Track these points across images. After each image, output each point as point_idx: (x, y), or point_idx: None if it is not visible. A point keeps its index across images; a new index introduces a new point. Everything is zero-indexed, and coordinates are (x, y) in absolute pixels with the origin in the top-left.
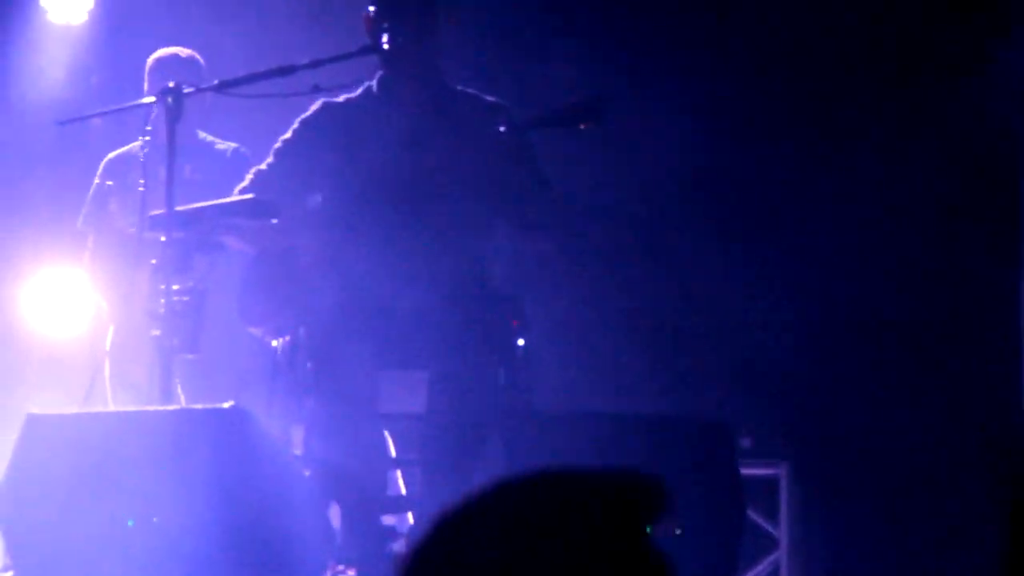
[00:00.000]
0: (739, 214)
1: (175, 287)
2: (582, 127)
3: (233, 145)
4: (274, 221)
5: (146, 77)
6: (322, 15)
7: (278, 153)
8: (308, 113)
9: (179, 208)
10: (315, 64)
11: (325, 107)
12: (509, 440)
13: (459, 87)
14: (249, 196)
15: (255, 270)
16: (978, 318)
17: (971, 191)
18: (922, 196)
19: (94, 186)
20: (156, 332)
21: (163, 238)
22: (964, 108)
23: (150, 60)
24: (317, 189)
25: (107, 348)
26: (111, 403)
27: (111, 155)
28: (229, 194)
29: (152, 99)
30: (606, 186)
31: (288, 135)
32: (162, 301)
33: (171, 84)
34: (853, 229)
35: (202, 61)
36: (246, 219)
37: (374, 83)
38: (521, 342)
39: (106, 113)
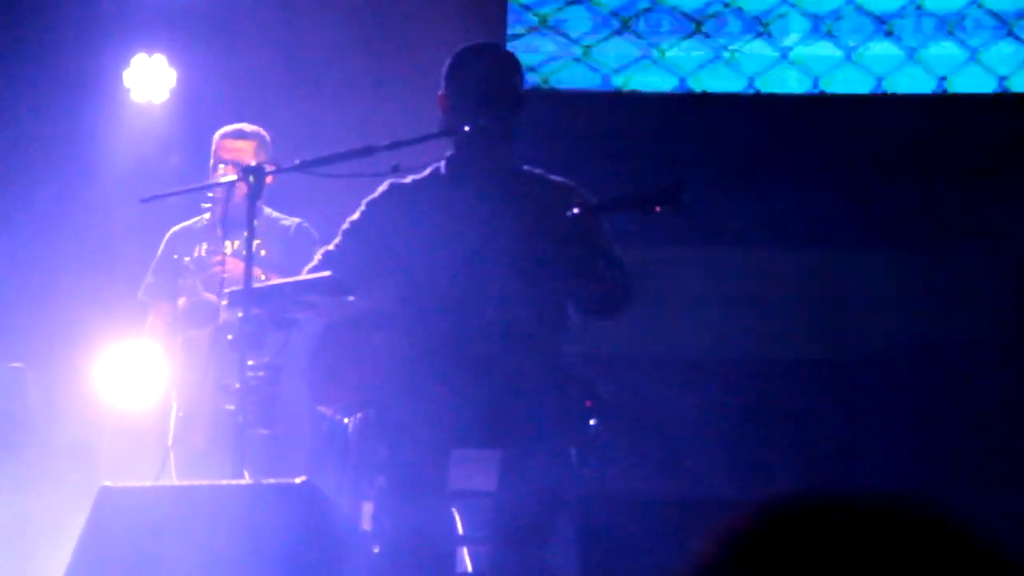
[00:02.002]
0: None
1: (250, 363)
2: (658, 210)
3: (296, 220)
4: (351, 299)
5: (214, 152)
6: (400, 93)
7: (346, 234)
8: (375, 195)
9: (257, 284)
10: (394, 146)
11: (392, 188)
12: (578, 520)
13: (526, 167)
14: (327, 274)
15: (324, 349)
16: None
17: None
18: None
19: (157, 258)
20: (230, 407)
21: (240, 314)
22: None
23: (217, 136)
24: (384, 271)
25: (172, 421)
26: (173, 473)
27: (175, 228)
28: (294, 268)
29: (234, 177)
30: None
31: (355, 216)
32: (238, 377)
33: (251, 160)
34: None
35: (268, 137)
36: (323, 296)
37: (442, 164)
38: (593, 422)
39: (189, 191)
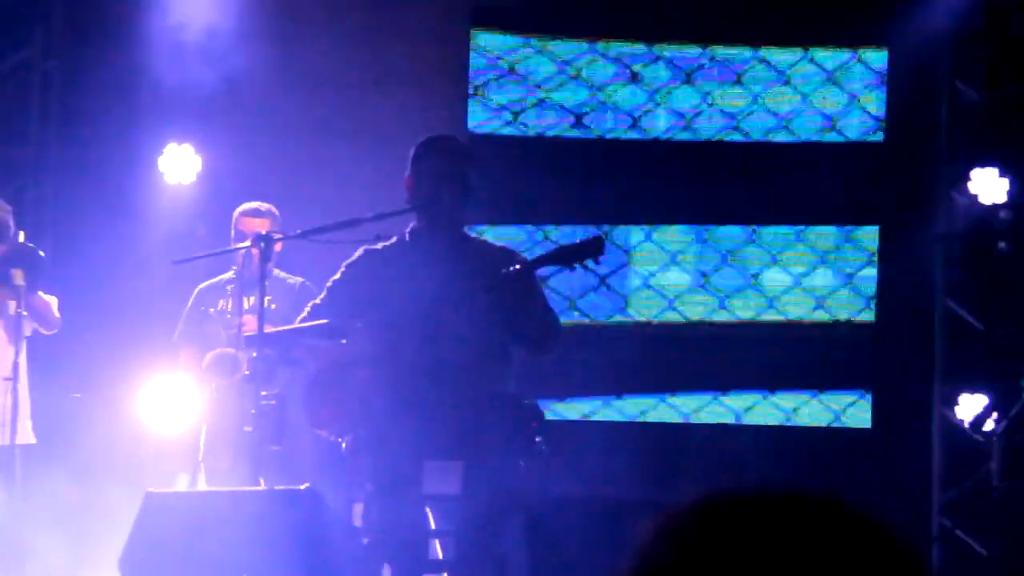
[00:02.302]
0: None
1: (263, 393)
2: (581, 264)
3: (300, 279)
4: (343, 341)
5: (234, 225)
6: (389, 172)
7: (329, 291)
8: (352, 258)
9: (267, 330)
10: (377, 218)
11: (366, 253)
12: (526, 519)
13: (473, 235)
14: (324, 321)
15: (318, 384)
16: None
17: None
18: None
19: (188, 309)
20: (248, 428)
21: (255, 354)
22: None
23: (237, 212)
24: (359, 318)
25: (202, 440)
26: (204, 483)
27: (202, 285)
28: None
29: (248, 244)
30: None
31: (337, 276)
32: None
33: (263, 232)
34: None
35: (277, 212)
36: (320, 339)
37: (407, 232)
38: (539, 439)
39: (213, 255)
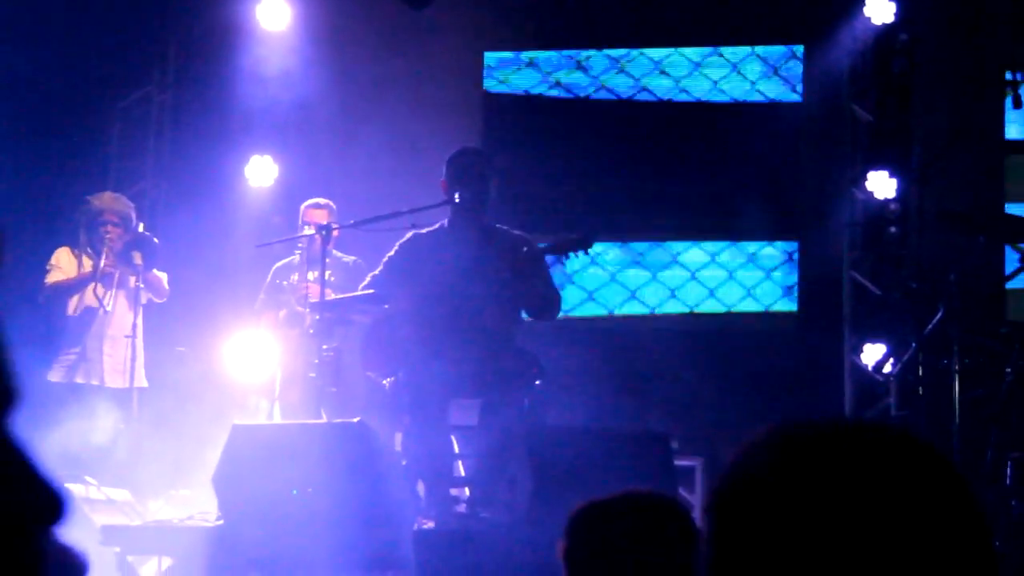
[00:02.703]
0: None
1: (325, 346)
2: (575, 254)
3: (353, 258)
4: (385, 307)
5: (300, 216)
6: (421, 175)
7: (385, 265)
8: (404, 239)
9: (328, 298)
10: (413, 211)
11: (414, 236)
12: (529, 444)
13: (497, 224)
14: (371, 291)
15: (371, 337)
16: None
17: None
18: None
19: (266, 283)
20: (312, 374)
21: (318, 316)
22: None
23: (303, 206)
24: (406, 285)
25: (277, 383)
26: (278, 416)
27: (277, 264)
28: (352, 289)
29: (312, 231)
30: None
31: (392, 252)
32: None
33: (323, 222)
34: None
35: (334, 206)
36: (369, 305)
37: (446, 222)
38: (538, 382)
39: (285, 240)
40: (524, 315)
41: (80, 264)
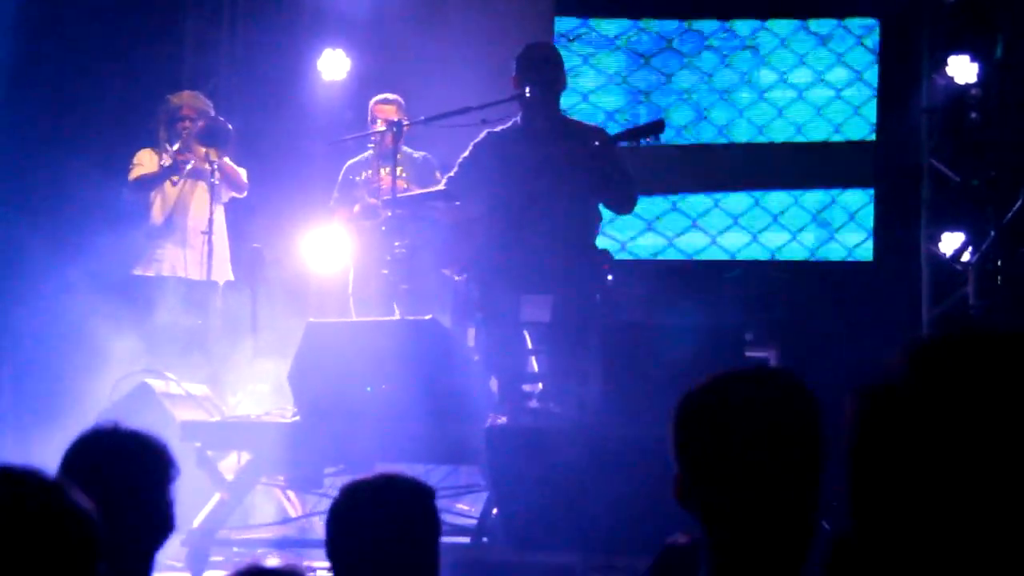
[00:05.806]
0: None
1: (397, 243)
2: (650, 139)
3: (423, 153)
4: (457, 203)
5: (370, 111)
6: (490, 70)
7: (460, 165)
8: (478, 138)
9: (400, 195)
10: (483, 106)
11: (488, 135)
12: (603, 338)
13: (570, 117)
14: (441, 187)
15: (447, 234)
16: None
17: None
18: None
19: (340, 180)
20: (385, 271)
21: (390, 213)
22: None
23: (372, 101)
24: (483, 186)
25: (351, 280)
26: (353, 311)
27: (350, 161)
28: (422, 184)
29: (383, 127)
30: None
31: (466, 153)
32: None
33: (393, 118)
34: None
35: (403, 101)
36: (440, 201)
37: (519, 118)
38: (610, 278)
39: (357, 137)
40: (601, 208)
41: (161, 161)
